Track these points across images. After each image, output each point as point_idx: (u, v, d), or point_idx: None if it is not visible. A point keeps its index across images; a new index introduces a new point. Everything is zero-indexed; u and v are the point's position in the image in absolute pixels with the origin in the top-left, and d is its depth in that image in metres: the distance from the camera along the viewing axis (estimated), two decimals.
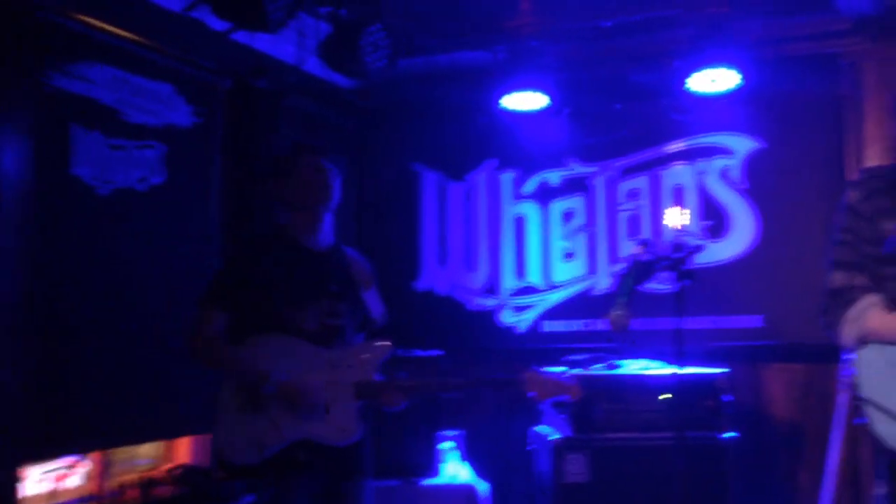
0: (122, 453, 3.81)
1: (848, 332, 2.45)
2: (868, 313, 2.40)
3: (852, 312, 2.44)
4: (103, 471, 3.68)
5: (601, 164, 4.90)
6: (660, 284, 4.66)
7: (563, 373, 2.76)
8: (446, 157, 5.12)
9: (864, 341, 2.44)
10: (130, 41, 3.69)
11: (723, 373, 3.89)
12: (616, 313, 2.73)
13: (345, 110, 5.03)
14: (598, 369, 3.90)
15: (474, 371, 3.05)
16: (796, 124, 4.57)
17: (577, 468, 3.74)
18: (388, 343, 2.96)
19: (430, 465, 4.06)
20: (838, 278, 2.50)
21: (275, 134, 4.34)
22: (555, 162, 4.97)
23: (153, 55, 3.81)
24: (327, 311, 2.91)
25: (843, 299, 2.46)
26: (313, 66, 4.11)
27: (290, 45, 4.07)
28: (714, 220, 4.68)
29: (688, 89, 4.38)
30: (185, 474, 3.84)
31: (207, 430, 3.99)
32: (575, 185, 4.94)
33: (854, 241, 2.46)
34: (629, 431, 3.79)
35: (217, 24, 3.63)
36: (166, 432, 3.93)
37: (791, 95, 4.58)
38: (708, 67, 4.24)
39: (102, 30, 3.55)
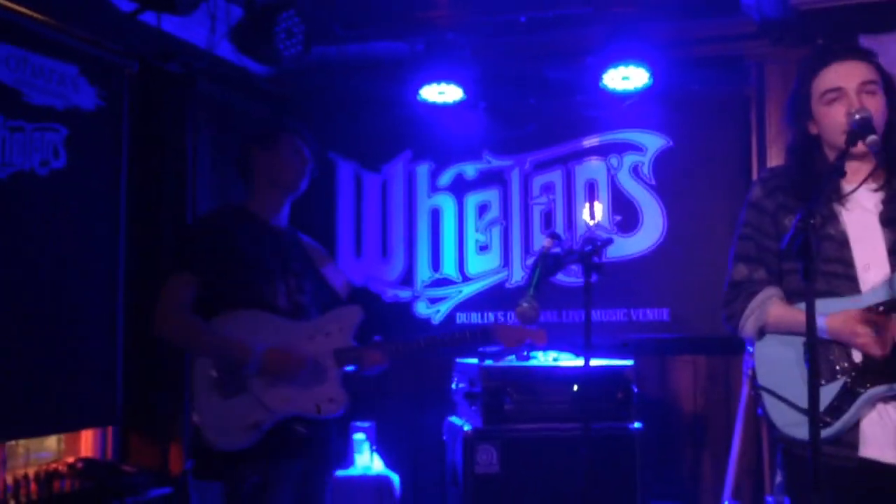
0: (21, 446, 3.67)
1: (748, 323, 2.51)
2: (767, 306, 2.47)
3: (752, 305, 2.50)
4: (0, 465, 3.54)
5: (516, 158, 4.94)
6: (572, 278, 4.77)
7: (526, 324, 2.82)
8: (362, 148, 5.08)
9: (763, 333, 2.51)
10: (32, 19, 3.54)
11: (630, 365, 3.97)
12: (524, 306, 2.75)
13: (258, 97, 4.94)
14: (509, 361, 3.93)
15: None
16: (704, 123, 4.70)
17: (487, 459, 3.76)
18: (357, 307, 2.97)
19: (343, 456, 4.04)
20: (740, 271, 2.56)
21: (184, 120, 4.23)
22: (470, 155, 4.99)
23: (56, 35, 3.66)
24: (294, 287, 2.90)
25: (744, 292, 2.53)
26: (225, 50, 4.02)
27: (201, 29, 3.97)
28: (624, 215, 4.77)
29: (602, 86, 4.46)
30: (88, 468, 3.72)
31: (111, 423, 3.89)
32: (490, 179, 4.97)
33: (756, 236, 2.52)
34: (539, 422, 3.84)
35: (124, 5, 3.52)
36: (67, 425, 3.80)
37: (699, 95, 4.71)
38: (620, 65, 4.33)
39: (2, 6, 3.40)
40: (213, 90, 4.57)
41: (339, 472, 4.03)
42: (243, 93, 4.83)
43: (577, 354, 4.10)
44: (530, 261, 4.79)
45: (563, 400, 3.83)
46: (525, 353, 3.93)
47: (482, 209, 4.98)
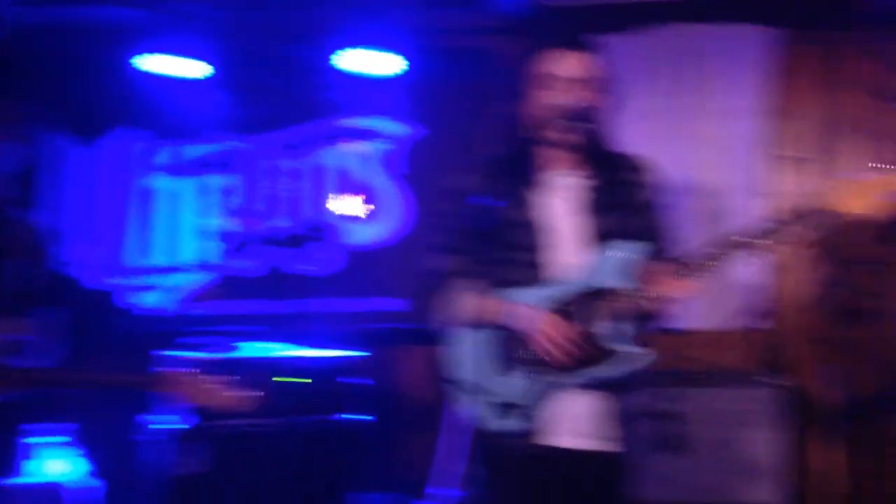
0: None
1: (441, 313, 2.45)
2: (460, 295, 2.41)
3: (446, 295, 2.44)
4: None
5: (255, 140, 4.70)
6: (311, 265, 4.60)
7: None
8: (77, 120, 4.65)
9: (456, 323, 2.44)
10: None
11: (359, 355, 3.84)
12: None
13: None
14: (221, 352, 3.68)
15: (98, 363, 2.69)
16: (450, 113, 4.65)
17: (193, 458, 3.50)
18: None
19: (8, 464, 3.60)
20: (437, 260, 2.50)
21: None
22: (203, 134, 4.69)
23: None
24: None
25: (439, 282, 2.47)
26: None
27: None
28: (369, 202, 4.65)
29: (349, 70, 4.32)
30: None
31: None
32: (225, 161, 4.70)
33: (454, 226, 2.46)
34: (258, 417, 3.60)
35: None
36: None
37: (449, 85, 4.65)
38: (366, 48, 4.22)
39: None
40: None
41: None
42: None
43: (305, 345, 3.93)
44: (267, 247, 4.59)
45: (282, 393, 3.64)
46: (234, 342, 3.71)
47: (215, 193, 4.68)
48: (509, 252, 2.38)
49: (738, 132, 4.37)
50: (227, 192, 4.66)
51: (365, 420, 3.80)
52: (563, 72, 2.35)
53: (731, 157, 4.37)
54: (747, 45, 4.38)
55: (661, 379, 3.73)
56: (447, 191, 2.49)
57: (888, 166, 2.11)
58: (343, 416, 3.77)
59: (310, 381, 3.73)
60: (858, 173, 2.12)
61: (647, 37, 4.43)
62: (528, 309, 2.30)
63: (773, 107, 4.40)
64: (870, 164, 2.16)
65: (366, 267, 4.54)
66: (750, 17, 4.38)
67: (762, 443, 3.74)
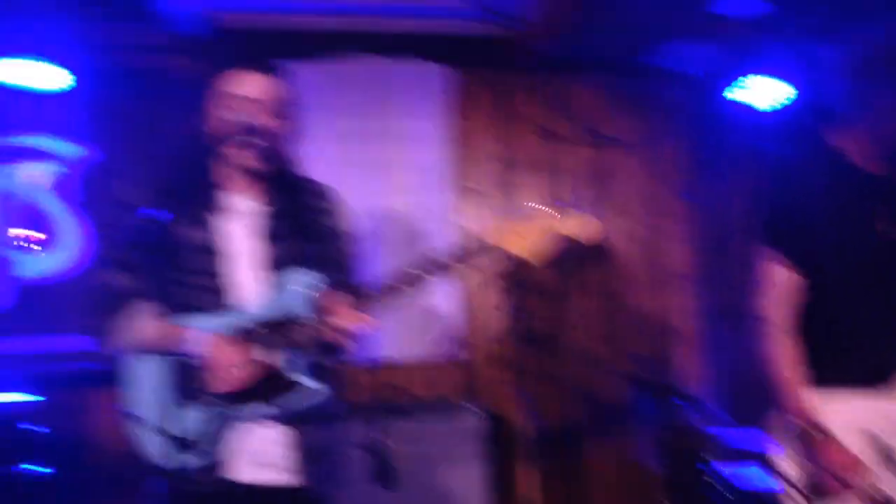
0: None
1: (118, 339, 2.28)
2: (139, 320, 2.26)
3: (124, 319, 2.27)
4: None
5: None
6: None
7: None
8: None
9: (133, 350, 2.28)
10: None
11: (34, 400, 3.47)
12: None
13: None
14: None
15: None
16: (132, 134, 4.34)
17: None
18: None
19: None
20: (114, 279, 2.31)
21: None
22: None
23: None
24: None
25: (117, 304, 2.29)
26: None
27: None
28: (42, 231, 4.22)
29: (6, 82, 3.89)
30: None
31: None
32: None
33: (127, 240, 2.30)
34: None
35: None
36: None
37: (120, 103, 4.34)
38: (27, 59, 3.83)
39: None
40: None
41: None
42: None
43: None
44: None
45: None
46: None
47: None
48: (186, 275, 2.28)
49: (426, 161, 4.58)
50: None
51: (43, 472, 3.42)
52: (242, 91, 2.31)
53: (421, 184, 4.56)
54: (430, 80, 4.62)
55: (365, 411, 3.76)
56: (119, 202, 2.34)
57: (548, 207, 2.23)
58: (19, 468, 3.38)
59: None
60: (522, 215, 2.24)
61: (332, 65, 4.51)
62: (200, 335, 2.21)
63: (455, 141, 4.68)
64: (529, 204, 2.28)
65: (42, 302, 4.12)
66: (428, 54, 4.63)
67: (467, 474, 3.87)
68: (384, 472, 3.37)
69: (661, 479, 3.48)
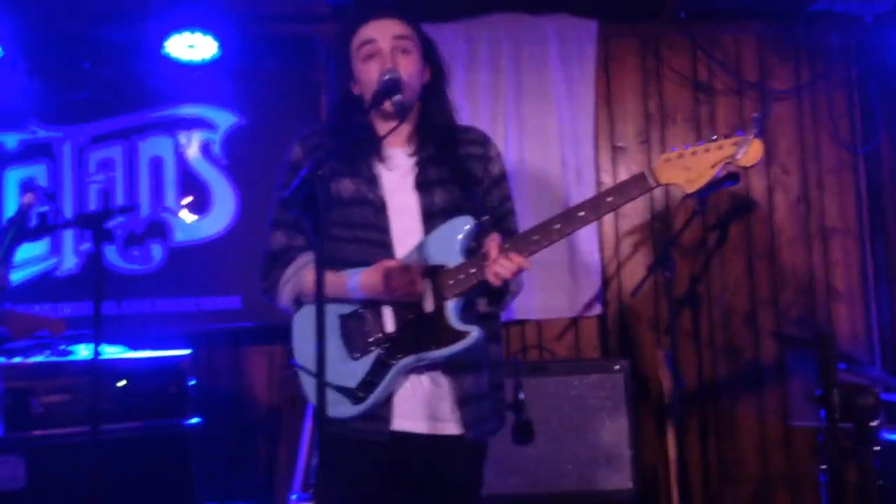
0: None
1: (284, 292, 2.33)
2: (304, 272, 2.29)
3: (288, 272, 2.31)
4: None
5: (68, 130, 4.34)
6: (134, 265, 4.31)
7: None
8: None
9: (300, 303, 2.32)
10: None
11: (186, 355, 3.62)
12: None
13: None
14: (41, 357, 3.38)
15: None
16: (278, 102, 4.45)
17: (10, 473, 3.18)
18: None
19: None
20: (278, 239, 2.37)
21: None
22: (10, 123, 4.29)
23: None
24: None
25: (281, 260, 2.33)
26: None
27: None
28: (195, 195, 4.41)
29: (167, 54, 4.12)
30: None
31: None
32: (36, 151, 4.31)
33: (290, 198, 2.31)
34: (78, 425, 3.33)
35: None
36: None
37: (273, 72, 4.46)
38: (184, 31, 4.02)
39: None
40: None
41: None
42: None
43: (134, 347, 3.68)
44: (86, 246, 4.27)
45: (107, 398, 3.37)
46: (62, 346, 3.42)
47: (25, 187, 4.30)
48: (346, 230, 2.27)
49: (573, 117, 4.47)
50: (31, 186, 4.27)
51: (191, 424, 3.57)
52: (383, 37, 2.27)
53: (568, 141, 4.45)
54: (576, 34, 4.49)
55: (507, 368, 3.73)
56: (286, 162, 2.36)
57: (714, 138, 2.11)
58: (175, 420, 3.54)
59: (134, 383, 3.47)
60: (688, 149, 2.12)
61: (476, 23, 4.46)
62: (373, 269, 2.18)
63: (602, 96, 4.56)
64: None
65: (196, 264, 4.30)
66: (574, 8, 4.50)
67: (612, 430, 3.82)
68: (522, 429, 3.32)
69: (819, 442, 3.27)
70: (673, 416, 3.81)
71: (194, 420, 3.57)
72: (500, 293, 2.23)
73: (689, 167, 2.10)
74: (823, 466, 3.23)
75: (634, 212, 4.53)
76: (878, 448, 2.89)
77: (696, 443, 4.41)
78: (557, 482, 3.77)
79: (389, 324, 2.22)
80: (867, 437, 2.84)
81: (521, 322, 4.43)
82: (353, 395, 2.20)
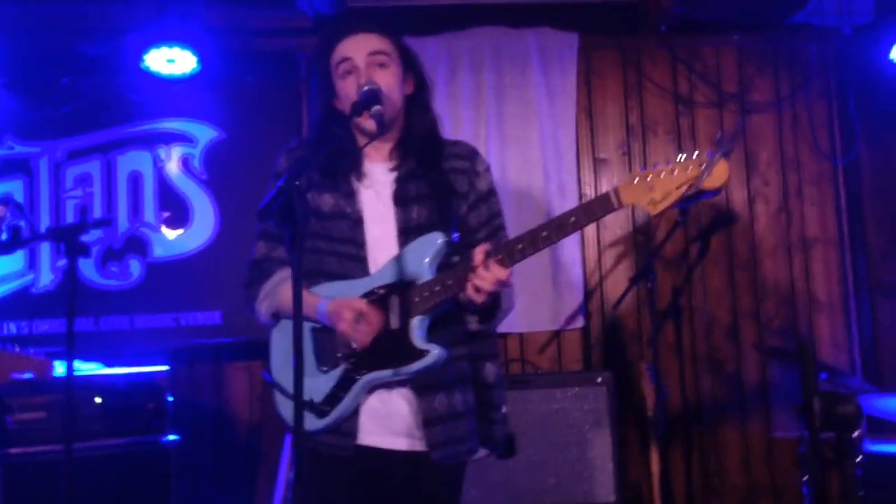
0: None
1: (262, 307, 2.32)
2: (281, 287, 2.27)
3: (267, 286, 2.30)
4: None
5: (45, 145, 4.31)
6: (111, 280, 4.27)
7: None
8: None
9: (278, 317, 2.30)
10: None
11: (164, 371, 3.59)
12: None
13: None
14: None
15: None
16: (258, 116, 4.44)
17: None
18: None
19: None
20: (259, 249, 2.37)
21: None
22: None
23: None
24: None
25: (260, 270, 2.33)
26: None
27: None
28: (175, 210, 4.38)
29: (146, 69, 4.09)
30: None
31: None
32: (13, 167, 4.28)
33: (269, 211, 2.29)
34: (54, 443, 3.28)
35: None
36: None
37: (253, 86, 4.46)
38: (163, 46, 3.99)
39: None
40: None
41: None
42: None
43: (112, 364, 3.64)
44: (62, 263, 4.22)
45: (84, 416, 3.33)
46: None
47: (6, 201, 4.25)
48: (324, 243, 2.26)
49: (554, 130, 4.47)
50: (4, 199, 4.23)
51: (170, 441, 3.53)
52: (359, 53, 2.25)
53: (550, 154, 4.45)
54: (557, 48, 4.50)
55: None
56: (273, 175, 2.34)
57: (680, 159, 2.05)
58: (153, 437, 3.50)
59: (111, 400, 3.44)
60: (655, 170, 2.06)
61: (459, 38, 4.46)
62: (335, 303, 2.18)
63: (583, 109, 4.57)
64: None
65: (176, 279, 4.27)
66: (555, 22, 4.51)
67: (595, 443, 3.80)
68: (509, 444, 3.29)
69: (801, 453, 3.26)
70: (656, 429, 3.79)
71: (172, 437, 3.53)
72: (490, 309, 2.21)
73: (653, 187, 2.04)
74: (806, 477, 3.22)
75: (616, 223, 4.53)
76: (860, 458, 2.89)
77: (679, 455, 4.40)
78: (540, 496, 3.75)
79: None
80: (849, 448, 2.84)
81: (504, 335, 4.41)
82: (318, 409, 2.20)
